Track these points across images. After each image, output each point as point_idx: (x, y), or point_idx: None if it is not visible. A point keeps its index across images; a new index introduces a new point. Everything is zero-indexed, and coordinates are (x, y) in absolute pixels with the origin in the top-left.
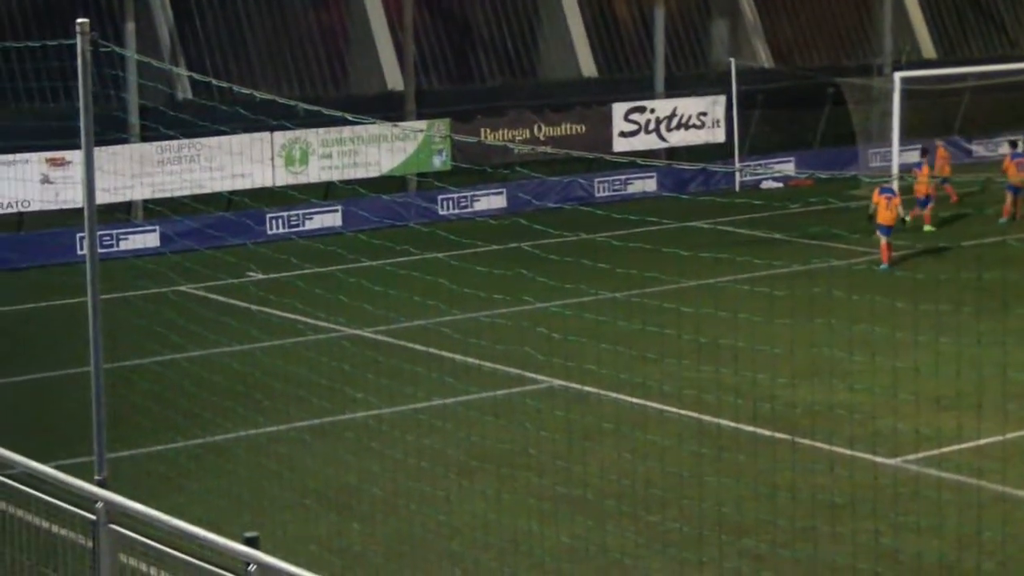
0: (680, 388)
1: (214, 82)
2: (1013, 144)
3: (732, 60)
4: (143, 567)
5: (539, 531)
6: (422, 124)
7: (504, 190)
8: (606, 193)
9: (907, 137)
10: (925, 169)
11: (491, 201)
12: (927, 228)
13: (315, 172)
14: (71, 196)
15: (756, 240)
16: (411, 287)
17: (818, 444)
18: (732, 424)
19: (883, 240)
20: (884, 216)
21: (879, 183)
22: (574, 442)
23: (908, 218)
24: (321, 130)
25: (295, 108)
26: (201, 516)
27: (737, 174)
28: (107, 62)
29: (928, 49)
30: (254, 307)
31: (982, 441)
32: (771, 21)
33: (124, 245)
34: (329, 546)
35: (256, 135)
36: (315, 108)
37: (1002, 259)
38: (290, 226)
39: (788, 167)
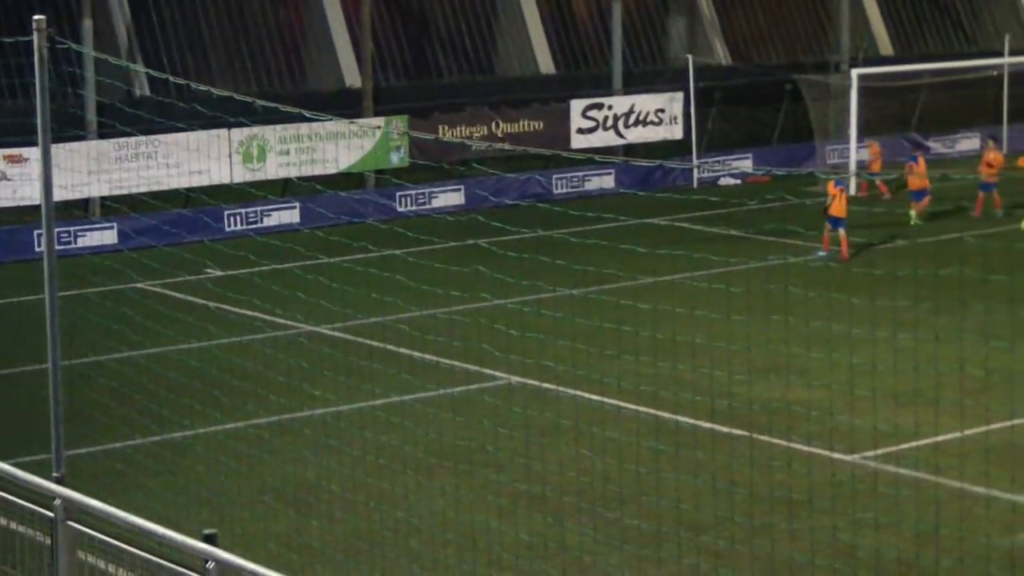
0: (638, 385)
1: (171, 79)
2: (992, 139)
3: (690, 57)
4: (101, 564)
5: (498, 528)
6: (380, 121)
7: (462, 187)
8: (564, 190)
9: (864, 134)
10: (921, 163)
11: (449, 198)
12: (914, 222)
13: (273, 169)
14: (28, 193)
15: (713, 237)
16: (369, 284)
17: (776, 441)
18: (690, 421)
19: (840, 232)
20: (837, 208)
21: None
22: (532, 439)
23: (914, 216)
24: (279, 127)
25: (252, 105)
26: (159, 513)
27: (695, 171)
28: (64, 59)
29: (885, 46)
30: (212, 304)
31: (940, 438)
32: (728, 18)
33: (82, 242)
34: (288, 543)
35: (214, 132)
36: (272, 105)
37: (959, 255)
38: (248, 223)
39: (746, 164)
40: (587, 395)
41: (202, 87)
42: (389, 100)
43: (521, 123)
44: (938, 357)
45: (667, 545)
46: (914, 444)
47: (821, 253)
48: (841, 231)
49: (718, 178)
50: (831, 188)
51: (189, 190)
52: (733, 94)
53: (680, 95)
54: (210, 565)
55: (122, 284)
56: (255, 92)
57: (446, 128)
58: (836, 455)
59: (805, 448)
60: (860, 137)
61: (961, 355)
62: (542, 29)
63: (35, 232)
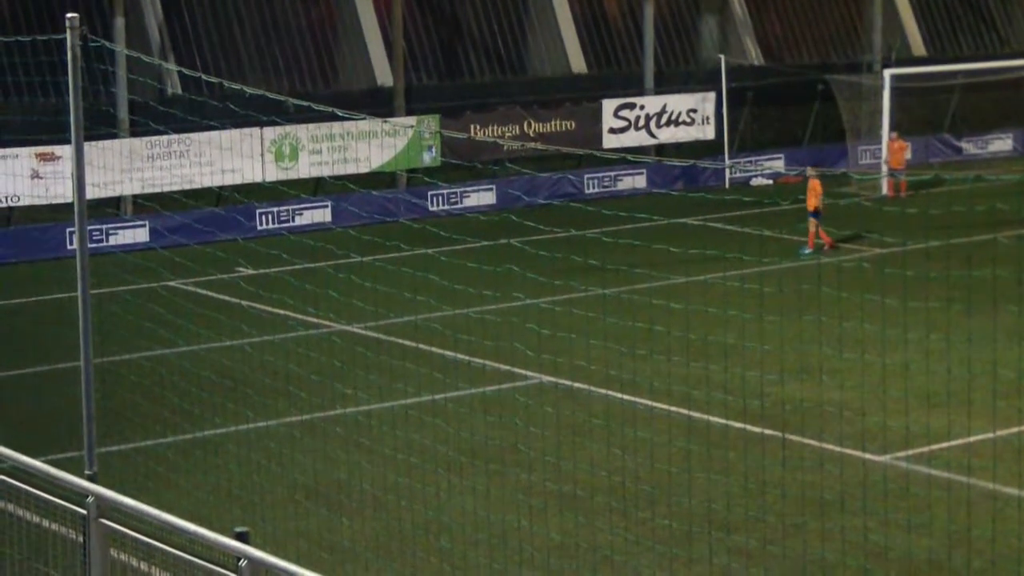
0: (669, 385)
1: (204, 77)
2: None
3: (722, 57)
4: (134, 562)
5: (528, 527)
6: (412, 120)
7: (494, 186)
8: (596, 189)
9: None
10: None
11: (481, 197)
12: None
13: (305, 168)
14: (61, 191)
15: (746, 237)
16: (401, 283)
17: (808, 441)
18: (722, 421)
19: (812, 222)
20: (812, 201)
21: (866, 180)
22: (563, 438)
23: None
24: (311, 125)
25: (285, 103)
26: (191, 511)
27: (727, 171)
28: (97, 57)
29: (918, 46)
30: (244, 302)
31: (972, 439)
32: (760, 18)
33: (113, 240)
34: (319, 541)
35: (246, 130)
36: (305, 104)
37: (991, 257)
38: (280, 222)
39: (778, 164)
40: (618, 395)
41: (234, 86)
42: (421, 99)
43: (553, 123)
44: (971, 358)
45: (698, 545)
46: (946, 445)
47: (807, 250)
48: (813, 221)
49: (750, 178)
50: (812, 182)
51: (221, 188)
52: (765, 94)
53: (712, 95)
54: (242, 563)
55: (154, 282)
56: (287, 91)
57: (478, 127)
58: (868, 456)
59: (837, 448)
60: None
61: (994, 356)
62: (574, 29)
63: (67, 230)
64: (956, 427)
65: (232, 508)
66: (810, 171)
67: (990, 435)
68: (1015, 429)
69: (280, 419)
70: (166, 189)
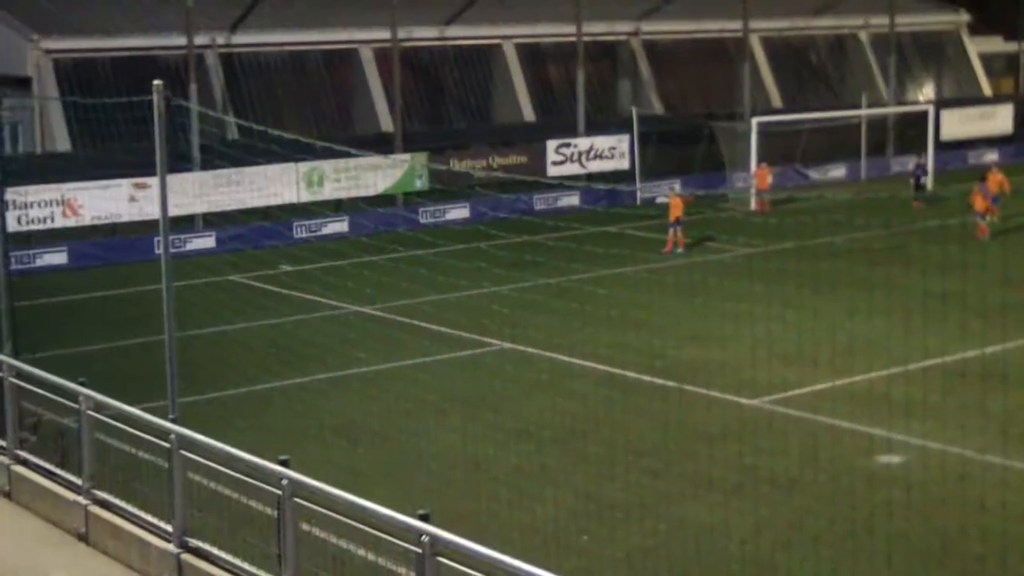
0: (597, 349)
1: (254, 126)
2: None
3: (634, 108)
4: (205, 482)
5: (494, 454)
6: (407, 156)
7: (468, 204)
8: (542, 207)
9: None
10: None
11: (458, 212)
12: (983, 237)
13: (329, 191)
14: (150, 210)
15: (651, 240)
16: (399, 276)
17: (698, 389)
18: (635, 375)
19: (675, 231)
20: (673, 214)
21: (739, 198)
22: (520, 389)
23: (992, 218)
24: (333, 160)
25: (314, 145)
26: (247, 445)
27: (638, 192)
28: (176, 112)
29: (776, 100)
30: (284, 291)
31: (817, 387)
32: (662, 80)
33: (189, 247)
34: (341, 466)
35: (285, 165)
36: (328, 145)
37: (830, 254)
38: (311, 232)
39: (676, 186)
40: (560, 357)
41: (276, 132)
42: (414, 141)
43: (511, 157)
44: (816, 328)
45: (618, 466)
46: (799, 392)
47: (679, 251)
48: (677, 230)
49: (655, 198)
50: (671, 197)
51: (267, 208)
52: (666, 136)
53: (627, 136)
54: (284, 481)
55: (219, 277)
56: (315, 135)
57: (456, 161)
58: (742, 400)
59: (720, 395)
60: (759, 166)
61: (832, 327)
62: (526, 88)
63: (155, 239)
64: (806, 378)
65: (277, 442)
66: (670, 192)
67: (830, 384)
68: (848, 380)
69: (312, 376)
70: (227, 208)
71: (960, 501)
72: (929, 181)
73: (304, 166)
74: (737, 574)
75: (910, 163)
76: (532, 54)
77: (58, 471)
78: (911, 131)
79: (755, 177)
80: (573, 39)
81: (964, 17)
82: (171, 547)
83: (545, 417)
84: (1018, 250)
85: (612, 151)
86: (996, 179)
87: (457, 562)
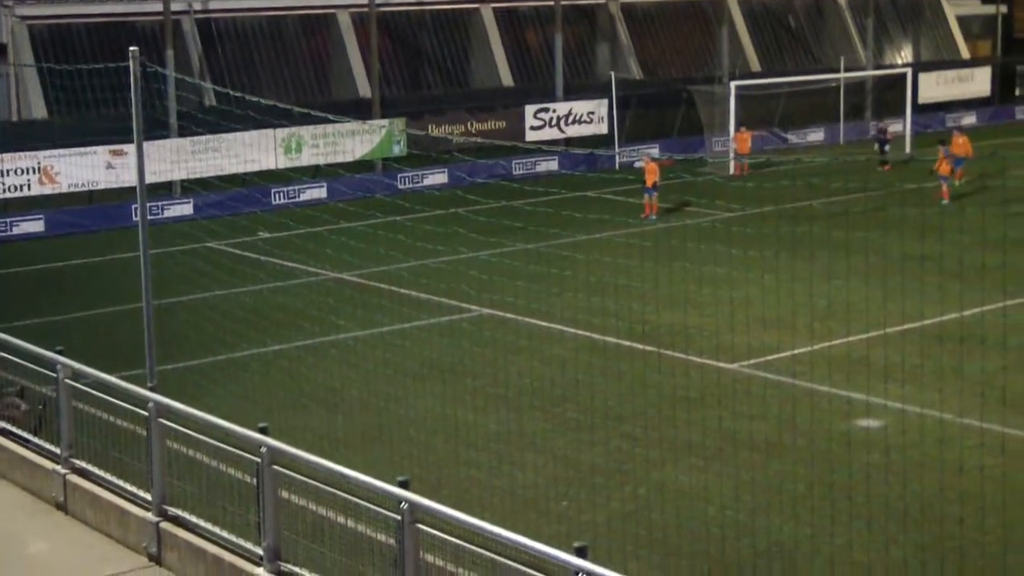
0: (576, 314)
1: (231, 92)
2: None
3: (612, 73)
4: (183, 449)
5: (473, 420)
6: (385, 122)
7: (446, 170)
8: (521, 171)
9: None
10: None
11: (436, 178)
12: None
13: (307, 158)
14: (127, 177)
15: (630, 205)
16: (377, 242)
17: (677, 354)
18: (614, 340)
19: (652, 196)
20: (649, 180)
21: (718, 162)
22: (498, 355)
23: (956, 182)
24: (311, 127)
25: (291, 111)
26: (225, 412)
27: (616, 156)
28: (153, 78)
29: (755, 64)
30: (263, 258)
31: (796, 351)
32: (641, 44)
33: (167, 213)
34: (320, 433)
35: (263, 131)
36: (306, 111)
37: (808, 217)
38: (288, 198)
39: (654, 151)
40: (539, 322)
41: (254, 98)
42: (391, 107)
43: (489, 123)
44: (794, 292)
45: (598, 432)
46: (777, 356)
47: (652, 217)
48: (653, 196)
49: (633, 162)
50: (647, 162)
51: (245, 174)
52: (644, 100)
53: (605, 101)
54: (263, 449)
55: (196, 244)
56: (293, 101)
57: (434, 127)
58: (721, 364)
59: (698, 359)
60: (737, 130)
61: (810, 291)
62: (504, 53)
63: (132, 206)
64: (784, 343)
65: (255, 410)
66: (646, 157)
67: (808, 348)
68: (826, 344)
69: (290, 343)
70: (205, 175)
71: (938, 464)
72: (907, 144)
73: (282, 132)
74: (717, 538)
75: (872, 128)
76: (510, 18)
77: (35, 439)
78: (889, 94)
79: (735, 141)
80: (551, 3)
81: None
82: (150, 515)
83: (524, 383)
84: (986, 212)
85: (591, 116)
86: (959, 142)
87: (437, 528)
